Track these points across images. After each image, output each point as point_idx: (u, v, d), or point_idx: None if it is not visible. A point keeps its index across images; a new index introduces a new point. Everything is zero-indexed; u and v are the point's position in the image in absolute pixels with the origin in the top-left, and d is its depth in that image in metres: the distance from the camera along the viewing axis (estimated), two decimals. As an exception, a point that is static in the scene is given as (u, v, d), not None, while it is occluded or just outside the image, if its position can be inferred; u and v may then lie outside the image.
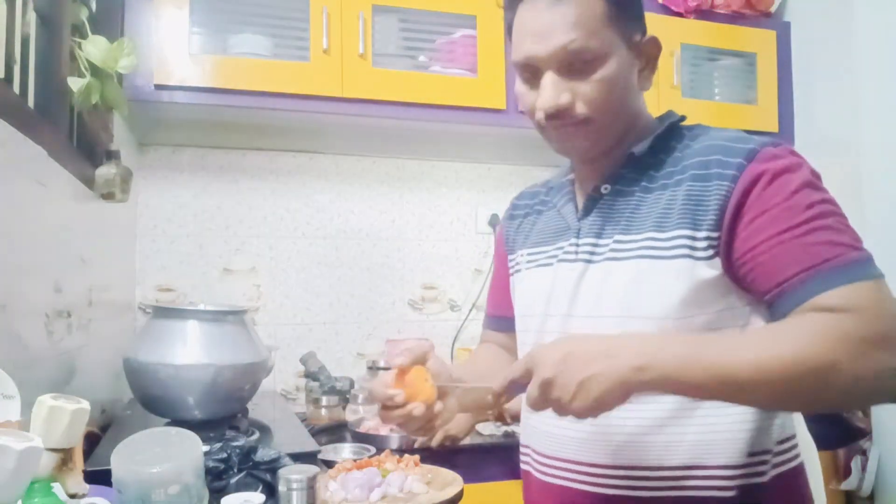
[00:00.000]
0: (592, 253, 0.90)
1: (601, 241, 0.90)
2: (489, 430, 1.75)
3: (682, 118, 0.94)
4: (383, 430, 1.68)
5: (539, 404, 0.73)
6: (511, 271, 1.08)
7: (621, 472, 0.86)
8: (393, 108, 1.82)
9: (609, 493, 0.87)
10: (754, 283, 0.80)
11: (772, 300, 0.78)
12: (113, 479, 0.80)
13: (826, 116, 2.12)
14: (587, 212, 0.94)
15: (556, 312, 0.93)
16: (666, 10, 2.07)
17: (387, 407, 0.82)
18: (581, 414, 0.71)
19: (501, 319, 1.11)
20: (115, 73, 1.30)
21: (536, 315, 0.96)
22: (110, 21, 1.57)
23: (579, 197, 0.98)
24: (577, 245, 0.92)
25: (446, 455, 1.58)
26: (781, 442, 0.87)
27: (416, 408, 0.80)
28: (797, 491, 0.89)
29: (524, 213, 1.08)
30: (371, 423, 1.74)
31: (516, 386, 0.77)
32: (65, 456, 0.74)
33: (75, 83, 1.21)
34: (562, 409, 0.72)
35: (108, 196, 1.39)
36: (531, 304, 0.99)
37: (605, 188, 0.92)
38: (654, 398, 0.83)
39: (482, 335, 1.18)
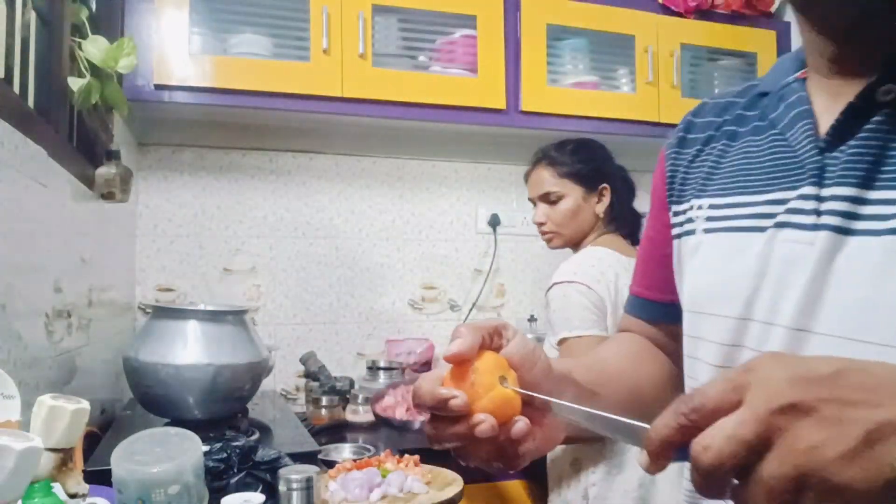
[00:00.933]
0: (852, 215, 0.51)
1: (875, 195, 0.50)
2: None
3: None
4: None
5: (756, 487, 0.35)
6: (675, 231, 0.68)
7: None
8: (393, 108, 1.82)
9: None
10: None
11: None
12: (113, 479, 0.80)
13: (826, 116, 2.11)
14: (841, 136, 0.52)
15: (774, 320, 0.54)
16: (666, 10, 2.07)
17: (437, 419, 0.50)
18: (859, 495, 0.33)
19: (655, 305, 0.73)
20: (115, 73, 1.30)
21: (729, 317, 0.58)
22: (110, 21, 1.57)
23: (822, 109, 0.56)
24: (818, 199, 0.53)
25: (446, 455, 1.57)
26: None
27: (482, 423, 0.48)
28: None
29: (705, 138, 0.67)
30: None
31: (701, 421, 0.36)
32: (65, 456, 0.74)
33: (75, 83, 1.21)
34: (811, 481, 0.33)
35: (108, 196, 1.39)
36: (718, 296, 0.59)
37: (888, 90, 0.50)
38: None
39: (621, 322, 0.81)
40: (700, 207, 0.64)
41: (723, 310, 0.58)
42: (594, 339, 1.39)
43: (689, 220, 0.65)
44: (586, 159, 1.57)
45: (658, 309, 0.73)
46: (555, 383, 0.54)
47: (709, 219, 0.62)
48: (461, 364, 0.50)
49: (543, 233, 1.63)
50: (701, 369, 0.61)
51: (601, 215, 1.56)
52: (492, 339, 0.52)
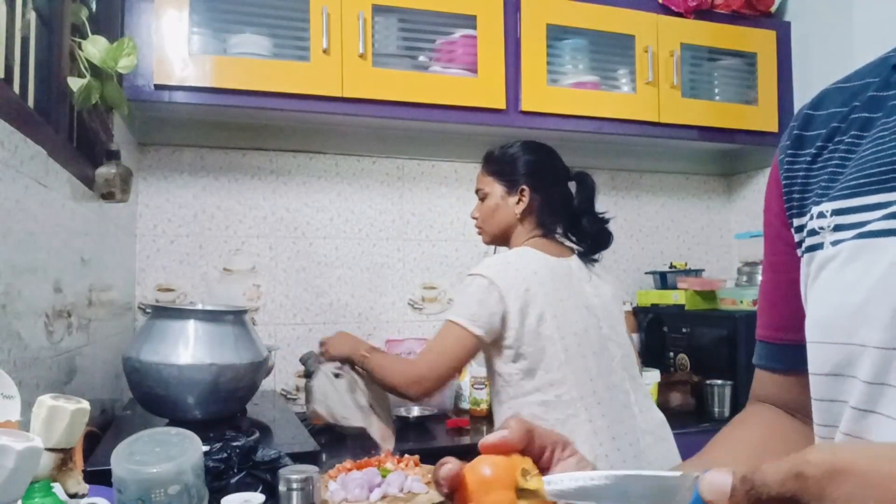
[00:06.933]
0: None
1: None
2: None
3: None
4: None
5: None
6: (800, 249, 0.55)
7: None
8: (393, 108, 1.82)
9: None
10: None
11: None
12: (113, 479, 0.80)
13: (826, 116, 2.11)
14: None
15: None
16: (666, 10, 2.07)
17: None
18: None
19: (789, 349, 0.58)
20: (115, 73, 1.30)
21: (866, 346, 0.45)
22: (110, 21, 1.57)
23: None
24: None
25: (447, 454, 1.57)
26: None
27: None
28: None
29: (828, 133, 0.54)
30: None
31: None
32: (65, 456, 0.74)
33: (75, 83, 1.21)
34: None
35: (108, 196, 1.39)
36: (850, 321, 0.46)
37: None
38: None
39: (753, 383, 0.65)
40: (822, 215, 0.51)
41: (855, 337, 0.45)
42: (461, 330, 1.41)
43: (813, 233, 0.52)
44: (511, 160, 1.58)
45: (794, 353, 0.56)
46: None
47: (836, 228, 0.49)
48: (472, 473, 0.41)
49: (476, 228, 1.67)
50: (841, 413, 0.48)
51: (518, 214, 1.56)
52: (543, 454, 0.43)
